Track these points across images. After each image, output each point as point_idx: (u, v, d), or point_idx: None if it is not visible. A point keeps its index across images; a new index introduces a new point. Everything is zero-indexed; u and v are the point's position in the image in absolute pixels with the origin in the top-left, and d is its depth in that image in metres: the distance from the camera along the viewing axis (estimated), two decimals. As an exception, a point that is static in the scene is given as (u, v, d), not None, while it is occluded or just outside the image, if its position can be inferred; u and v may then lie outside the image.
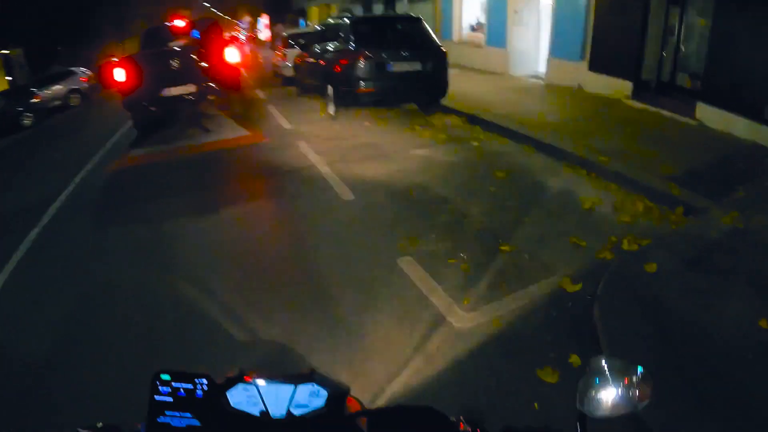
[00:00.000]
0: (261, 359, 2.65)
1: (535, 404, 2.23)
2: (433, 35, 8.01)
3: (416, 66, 7.52)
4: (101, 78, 8.19)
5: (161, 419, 0.80)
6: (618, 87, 8.27)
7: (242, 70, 16.81)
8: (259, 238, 4.41)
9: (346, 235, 4.08)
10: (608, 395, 0.73)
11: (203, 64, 7.97)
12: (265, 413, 0.78)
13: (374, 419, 0.82)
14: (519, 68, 11.34)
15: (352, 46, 7.59)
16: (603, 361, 0.76)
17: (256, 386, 0.79)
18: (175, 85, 7.79)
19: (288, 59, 12.24)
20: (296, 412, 0.78)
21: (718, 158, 5.29)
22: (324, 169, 5.78)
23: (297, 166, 6.09)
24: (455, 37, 13.80)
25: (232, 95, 9.05)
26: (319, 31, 9.84)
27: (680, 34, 7.55)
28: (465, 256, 3.45)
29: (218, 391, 0.80)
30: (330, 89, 8.16)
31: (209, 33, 8.76)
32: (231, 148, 7.43)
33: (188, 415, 0.79)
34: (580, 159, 5.50)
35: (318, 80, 8.81)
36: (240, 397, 0.79)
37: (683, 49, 7.62)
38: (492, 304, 2.92)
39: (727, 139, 5.94)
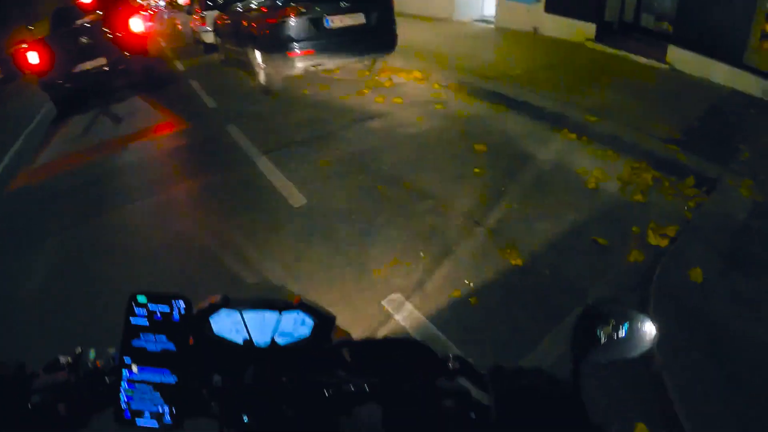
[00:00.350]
0: None
1: None
2: (375, -20, 6.80)
3: (359, 19, 6.36)
4: (16, 64, 8.21)
5: (136, 343, 0.70)
6: (580, 29, 7.55)
7: (160, 39, 14.74)
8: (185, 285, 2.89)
9: (304, 265, 2.97)
10: (643, 324, 0.68)
11: (111, 36, 8.09)
12: (248, 341, 0.70)
13: (359, 349, 0.72)
14: (465, 13, 10.42)
15: (279, 0, 6.29)
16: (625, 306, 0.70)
17: (240, 313, 0.70)
18: (86, 60, 7.93)
19: (207, 23, 10.54)
20: (280, 340, 0.70)
21: (705, 110, 4.87)
22: (262, 161, 4.66)
23: (227, 160, 4.90)
24: (391, -19, 12.49)
25: (149, 72, 8.90)
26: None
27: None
28: (470, 283, 2.63)
29: (200, 316, 0.71)
30: (258, 55, 6.86)
31: (116, 6, 8.64)
32: (145, 141, 6.09)
33: (163, 338, 0.69)
34: (564, 119, 4.81)
35: (243, 45, 7.43)
36: (223, 324, 0.71)
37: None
38: (525, 358, 2.14)
39: (705, 86, 5.53)
